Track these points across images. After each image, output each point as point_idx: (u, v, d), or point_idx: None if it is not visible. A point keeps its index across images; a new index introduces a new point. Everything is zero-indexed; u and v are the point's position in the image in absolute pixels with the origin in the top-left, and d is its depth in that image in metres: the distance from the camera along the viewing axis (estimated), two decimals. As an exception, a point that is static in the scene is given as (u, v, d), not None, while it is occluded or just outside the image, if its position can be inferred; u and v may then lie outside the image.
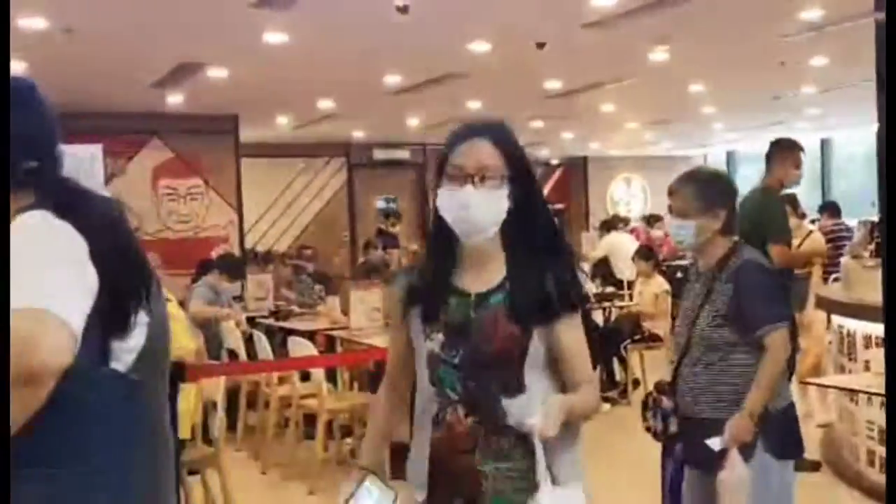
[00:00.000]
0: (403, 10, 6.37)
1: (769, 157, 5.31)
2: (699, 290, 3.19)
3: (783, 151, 5.27)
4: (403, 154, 16.29)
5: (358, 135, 14.77)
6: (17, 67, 7.61)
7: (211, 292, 7.64)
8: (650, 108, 12.93)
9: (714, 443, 3.01)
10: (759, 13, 7.09)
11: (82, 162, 9.35)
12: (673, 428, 3.17)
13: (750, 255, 3.17)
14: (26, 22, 6.18)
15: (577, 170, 19.87)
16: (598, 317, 9.02)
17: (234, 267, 8.20)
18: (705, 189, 3.21)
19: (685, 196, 3.22)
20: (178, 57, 7.90)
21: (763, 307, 3.06)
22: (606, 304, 9.16)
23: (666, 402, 3.20)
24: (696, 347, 3.13)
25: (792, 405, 3.23)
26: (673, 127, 15.29)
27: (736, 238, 3.22)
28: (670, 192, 3.29)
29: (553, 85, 10.24)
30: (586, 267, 9.93)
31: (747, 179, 19.76)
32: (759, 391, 3.01)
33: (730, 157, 20.16)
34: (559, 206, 18.98)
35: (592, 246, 11.94)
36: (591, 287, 9.17)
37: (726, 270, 3.11)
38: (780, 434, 3.09)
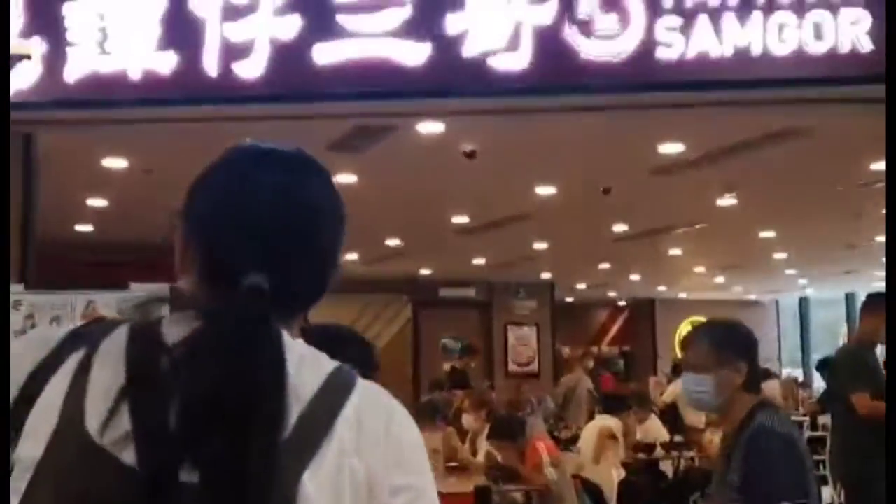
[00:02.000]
0: (470, 155, 6.50)
1: (861, 313, 5.25)
2: (722, 458, 2.88)
3: (875, 308, 5.15)
4: (469, 292, 16.31)
5: (424, 272, 14.90)
6: (100, 203, 7.91)
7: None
8: (720, 252, 12.81)
9: None
10: (829, 165, 7.04)
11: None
12: None
13: (763, 419, 2.77)
14: (109, 161, 6.46)
15: (644, 312, 19.62)
16: (666, 467, 8.69)
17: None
18: (725, 338, 2.89)
19: (702, 347, 2.88)
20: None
21: (768, 481, 2.68)
22: (675, 453, 8.82)
23: None
24: None
25: None
26: (744, 272, 15.09)
27: (761, 397, 2.92)
28: (684, 345, 3.03)
29: (620, 228, 10.24)
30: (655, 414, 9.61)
31: (821, 326, 19.43)
32: None
33: (802, 302, 19.73)
34: (625, 348, 18.72)
35: (660, 391, 11.63)
36: (661, 434, 8.86)
37: (743, 435, 2.76)
38: None
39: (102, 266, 7.39)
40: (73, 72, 4.68)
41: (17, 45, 4.65)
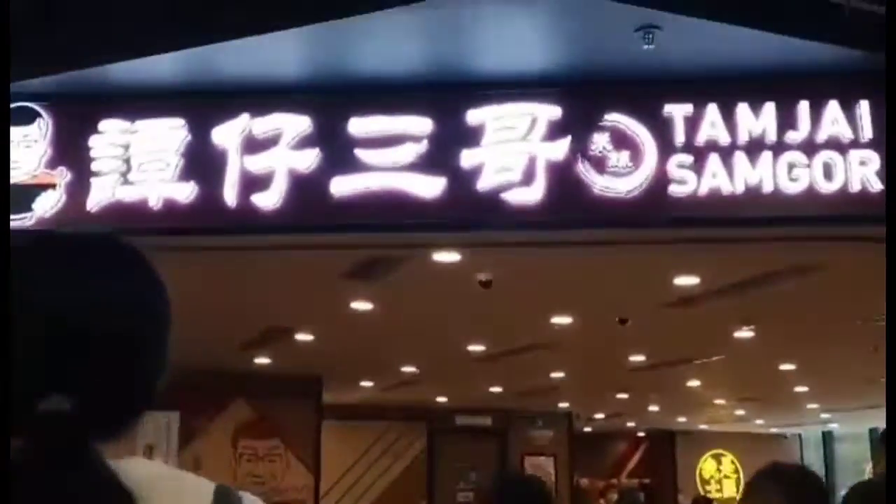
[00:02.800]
0: (486, 284, 6.52)
1: (878, 449, 5.10)
2: None
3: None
4: (485, 421, 16.07)
5: (440, 399, 14.73)
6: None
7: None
8: (739, 384, 12.62)
9: None
10: (844, 299, 7.01)
11: (160, 427, 9.51)
12: None
13: None
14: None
15: (664, 443, 19.20)
16: None
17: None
18: (796, 491, 2.57)
19: (770, 498, 2.55)
20: (267, 322, 8.16)
21: None
22: None
23: None
24: None
25: None
26: (764, 404, 14.82)
27: None
28: (748, 491, 2.70)
29: (637, 358, 10.14)
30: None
31: (847, 461, 18.90)
32: None
33: (826, 436, 19.27)
34: (645, 480, 18.24)
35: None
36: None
37: None
38: None
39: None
40: (95, 200, 4.79)
41: (42, 174, 4.80)
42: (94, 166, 4.83)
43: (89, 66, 4.68)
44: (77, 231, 1.06)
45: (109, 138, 4.87)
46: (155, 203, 4.79)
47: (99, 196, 4.80)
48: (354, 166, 4.77)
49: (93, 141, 4.85)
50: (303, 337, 8.72)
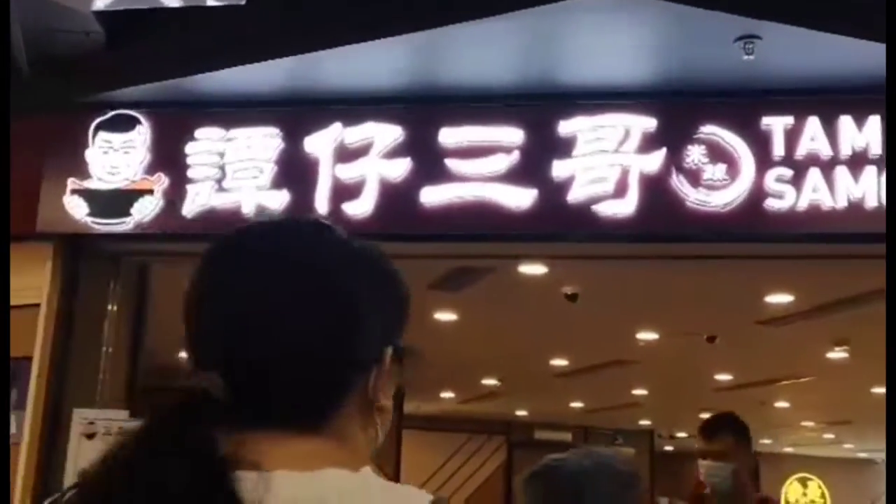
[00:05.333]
0: (572, 298, 6.46)
1: None
2: None
3: None
4: (565, 436, 15.93)
5: (520, 413, 14.65)
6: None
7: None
8: (829, 407, 12.24)
9: None
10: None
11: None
12: None
13: None
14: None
15: (748, 465, 18.73)
16: None
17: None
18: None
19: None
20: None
21: None
22: None
23: None
24: None
25: None
26: (855, 428, 14.34)
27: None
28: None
29: (723, 377, 9.92)
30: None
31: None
32: None
33: (921, 464, 18.54)
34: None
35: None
36: None
37: None
38: None
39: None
40: (190, 206, 4.89)
41: (141, 180, 4.92)
42: (190, 173, 4.94)
43: (188, 75, 4.78)
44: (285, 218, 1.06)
45: (206, 145, 4.97)
46: (248, 210, 4.87)
47: (195, 202, 4.90)
48: (445, 176, 4.77)
49: (190, 148, 4.96)
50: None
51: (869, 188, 4.55)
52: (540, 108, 4.81)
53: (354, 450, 0.95)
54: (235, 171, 4.92)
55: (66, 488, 0.89)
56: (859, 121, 4.62)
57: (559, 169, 4.70)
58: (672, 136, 4.68)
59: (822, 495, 18.71)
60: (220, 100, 4.96)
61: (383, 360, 1.03)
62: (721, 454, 3.55)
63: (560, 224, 4.73)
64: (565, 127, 4.74)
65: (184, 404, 0.88)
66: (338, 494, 0.85)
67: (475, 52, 4.56)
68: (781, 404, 11.81)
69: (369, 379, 1.00)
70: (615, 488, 1.83)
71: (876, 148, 4.59)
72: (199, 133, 4.97)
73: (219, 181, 4.92)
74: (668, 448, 17.46)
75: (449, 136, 4.80)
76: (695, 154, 4.65)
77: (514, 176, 4.73)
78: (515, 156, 4.73)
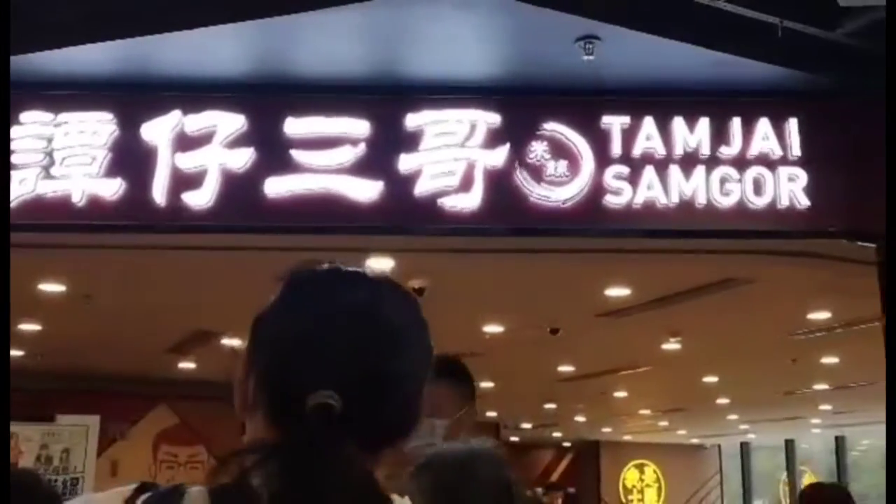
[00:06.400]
0: (419, 292, 6.47)
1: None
2: None
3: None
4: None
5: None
6: (32, 328, 7.67)
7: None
8: (664, 396, 12.81)
9: None
10: (768, 313, 7.15)
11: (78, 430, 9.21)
12: None
13: None
14: (46, 286, 6.29)
15: (589, 453, 19.40)
16: None
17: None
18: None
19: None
20: (194, 326, 7.97)
21: None
22: None
23: None
24: None
25: None
26: (688, 415, 15.07)
27: None
28: None
29: (566, 369, 10.21)
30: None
31: (763, 472, 19.35)
32: None
33: (744, 447, 19.68)
34: (570, 489, 18.35)
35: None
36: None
37: None
38: None
39: (28, 395, 7.11)
40: (14, 194, 4.59)
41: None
42: (14, 159, 4.64)
43: (12, 54, 4.49)
44: (353, 268, 1.09)
45: (31, 129, 4.69)
46: (79, 199, 4.62)
47: (18, 190, 4.61)
48: (289, 167, 4.68)
49: (14, 132, 4.66)
50: (230, 341, 8.53)
51: (699, 187, 4.77)
52: (387, 101, 4.79)
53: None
54: (65, 157, 4.66)
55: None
56: (691, 122, 4.84)
57: (406, 162, 4.70)
58: (516, 132, 4.76)
59: (657, 479, 19.60)
60: (47, 82, 4.68)
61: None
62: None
63: (406, 217, 4.73)
64: (412, 120, 4.74)
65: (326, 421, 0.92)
66: None
67: (322, 42, 4.49)
68: (621, 394, 12.27)
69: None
70: (494, 470, 1.92)
71: (705, 149, 4.82)
72: (25, 117, 4.68)
73: (46, 168, 4.65)
74: (514, 439, 17.84)
75: (294, 126, 4.71)
76: (538, 150, 4.75)
77: (361, 168, 4.69)
78: (362, 148, 4.70)
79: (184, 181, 4.65)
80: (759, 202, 4.79)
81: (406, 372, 1.03)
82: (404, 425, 1.03)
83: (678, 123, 4.83)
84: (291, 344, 1.01)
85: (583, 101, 4.85)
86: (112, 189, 4.63)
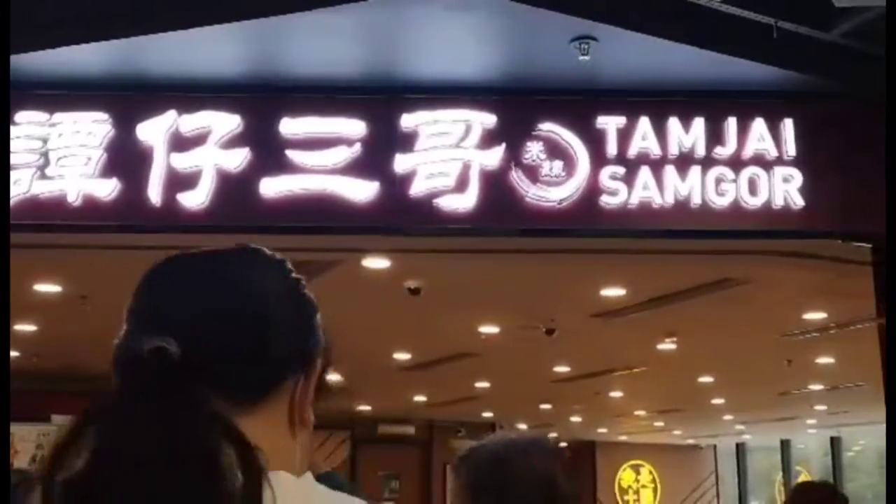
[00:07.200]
0: (415, 292, 6.47)
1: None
2: None
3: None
4: (408, 430, 16.01)
5: (363, 408, 14.61)
6: (28, 329, 7.66)
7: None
8: (660, 396, 12.81)
9: None
10: (763, 313, 7.16)
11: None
12: None
13: None
14: (41, 287, 6.28)
15: (585, 454, 19.39)
16: None
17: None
18: None
19: None
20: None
21: None
22: None
23: None
24: None
25: None
26: (683, 416, 15.08)
27: None
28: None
29: (561, 369, 10.21)
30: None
31: (758, 472, 19.37)
32: None
33: (739, 447, 19.70)
34: (566, 490, 18.41)
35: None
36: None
37: None
38: None
39: (24, 395, 7.09)
40: (10, 195, 4.59)
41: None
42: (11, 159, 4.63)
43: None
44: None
45: (27, 130, 4.68)
46: (74, 199, 4.62)
47: (13, 191, 4.60)
48: (285, 168, 4.67)
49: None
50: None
51: (694, 187, 4.78)
52: (382, 101, 4.79)
53: (290, 455, 1.01)
54: (60, 157, 4.66)
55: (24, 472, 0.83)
56: (686, 123, 4.84)
57: (401, 162, 4.70)
58: (511, 133, 4.76)
59: (653, 480, 19.61)
60: (42, 82, 4.68)
61: (306, 375, 1.06)
62: None
63: (402, 218, 4.73)
64: (407, 121, 4.74)
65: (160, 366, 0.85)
66: (283, 497, 0.83)
67: (317, 42, 4.49)
68: (616, 394, 12.27)
69: (294, 392, 1.05)
70: (535, 462, 1.91)
71: (700, 149, 4.83)
72: (20, 117, 4.67)
73: (41, 168, 4.65)
74: (510, 439, 17.85)
75: (289, 126, 4.71)
76: (533, 150, 4.75)
77: (356, 169, 4.69)
78: (357, 148, 4.70)
79: (179, 181, 4.64)
80: (755, 202, 4.80)
81: (249, 311, 1.00)
82: (257, 365, 0.99)
83: (673, 124, 4.83)
84: (135, 315, 1.03)
85: (578, 102, 4.85)
86: (107, 189, 4.62)
